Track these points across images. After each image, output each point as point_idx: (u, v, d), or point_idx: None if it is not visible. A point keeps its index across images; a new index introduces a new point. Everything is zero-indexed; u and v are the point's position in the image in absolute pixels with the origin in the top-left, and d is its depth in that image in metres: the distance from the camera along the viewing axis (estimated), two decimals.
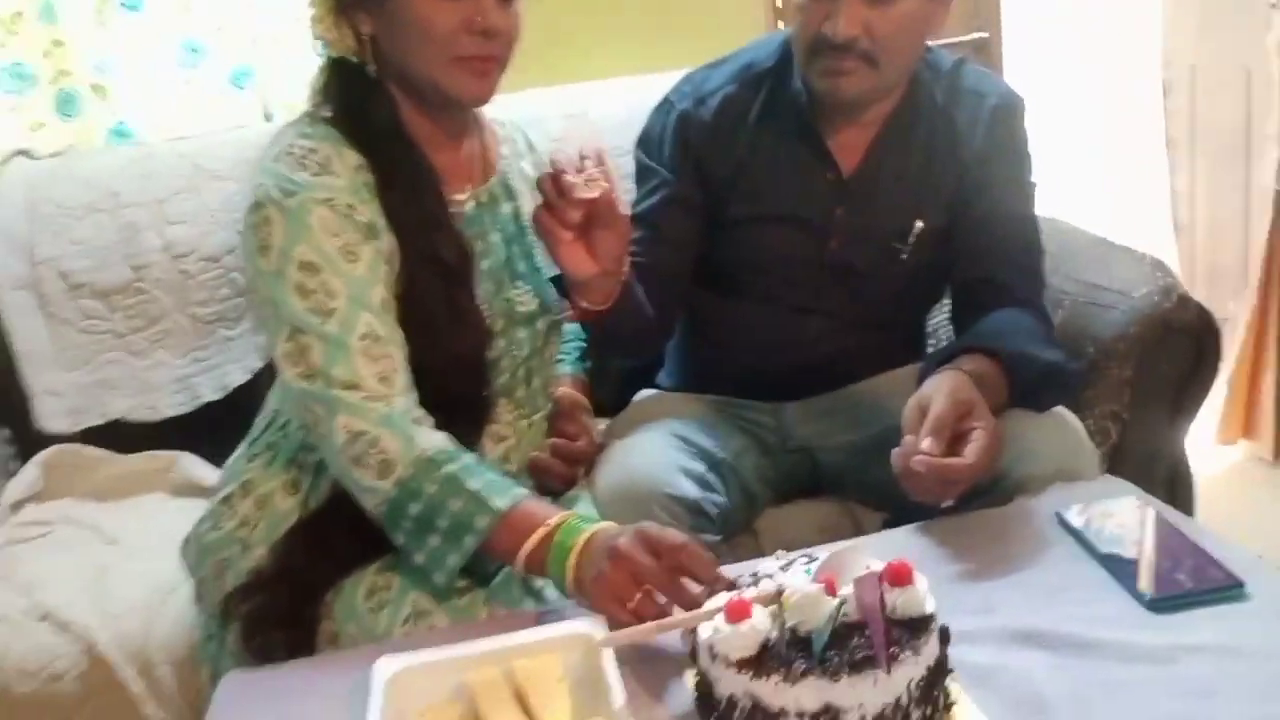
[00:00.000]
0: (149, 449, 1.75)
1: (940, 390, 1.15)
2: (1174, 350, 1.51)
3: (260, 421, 1.30)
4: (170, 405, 1.76)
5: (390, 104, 1.19)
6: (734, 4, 2.18)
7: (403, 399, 1.10)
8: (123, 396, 1.76)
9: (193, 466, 1.71)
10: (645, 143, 1.51)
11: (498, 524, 1.04)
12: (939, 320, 1.74)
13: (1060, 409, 1.32)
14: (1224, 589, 1.00)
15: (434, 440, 1.09)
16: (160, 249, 1.79)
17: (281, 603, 1.11)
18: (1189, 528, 1.10)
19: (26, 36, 1.93)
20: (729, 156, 1.44)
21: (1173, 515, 1.13)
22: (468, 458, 1.10)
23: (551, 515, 1.05)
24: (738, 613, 0.83)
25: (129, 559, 1.50)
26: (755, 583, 0.91)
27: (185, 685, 1.32)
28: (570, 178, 1.13)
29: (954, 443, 1.12)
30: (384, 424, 1.08)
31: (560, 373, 1.44)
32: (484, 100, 1.20)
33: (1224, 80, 2.45)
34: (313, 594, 1.11)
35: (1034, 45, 2.56)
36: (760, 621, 0.83)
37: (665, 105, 1.50)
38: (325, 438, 1.10)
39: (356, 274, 1.11)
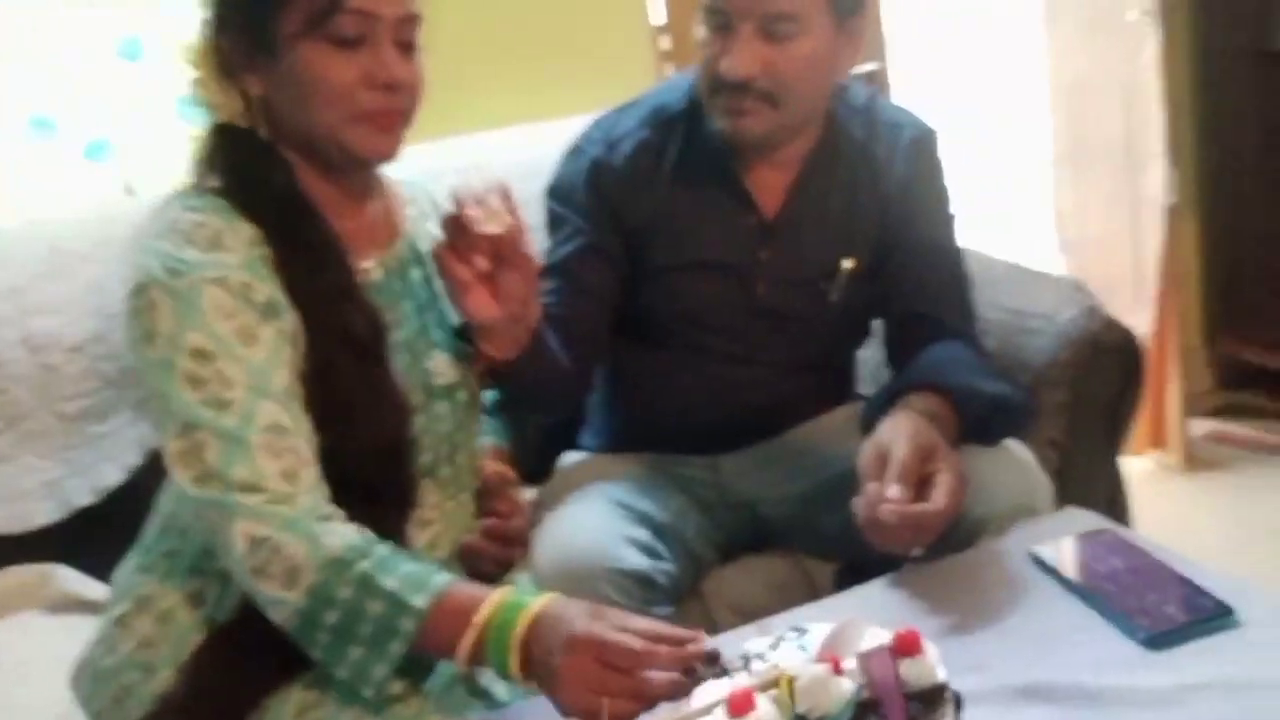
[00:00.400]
0: (19, 563, 1.56)
1: (900, 435, 1.11)
2: (1104, 371, 1.51)
3: (151, 528, 1.15)
4: (41, 513, 1.58)
5: (286, 169, 1.08)
6: (621, 48, 2.15)
7: (308, 496, 0.98)
8: None
9: (71, 580, 1.53)
10: (557, 191, 1.44)
11: (423, 624, 0.93)
12: (867, 356, 1.71)
13: (1010, 441, 1.29)
14: (1215, 617, 0.97)
15: (343, 536, 0.97)
16: (19, 342, 1.61)
17: None
18: (1167, 557, 1.06)
19: None
20: (646, 203, 1.38)
21: (1147, 544, 1.10)
22: (381, 550, 0.97)
23: (481, 601, 0.94)
24: (741, 705, 0.74)
25: (9, 689, 1.33)
26: (746, 666, 0.83)
27: None
28: (472, 212, 1.06)
29: (918, 488, 1.07)
30: (287, 528, 0.95)
31: (482, 446, 1.33)
32: (390, 158, 1.10)
33: (1104, 96, 2.51)
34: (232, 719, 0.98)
35: (921, 73, 2.60)
36: (766, 712, 0.75)
37: (576, 152, 1.44)
38: (225, 547, 0.97)
39: (255, 359, 0.99)
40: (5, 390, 1.60)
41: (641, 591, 1.21)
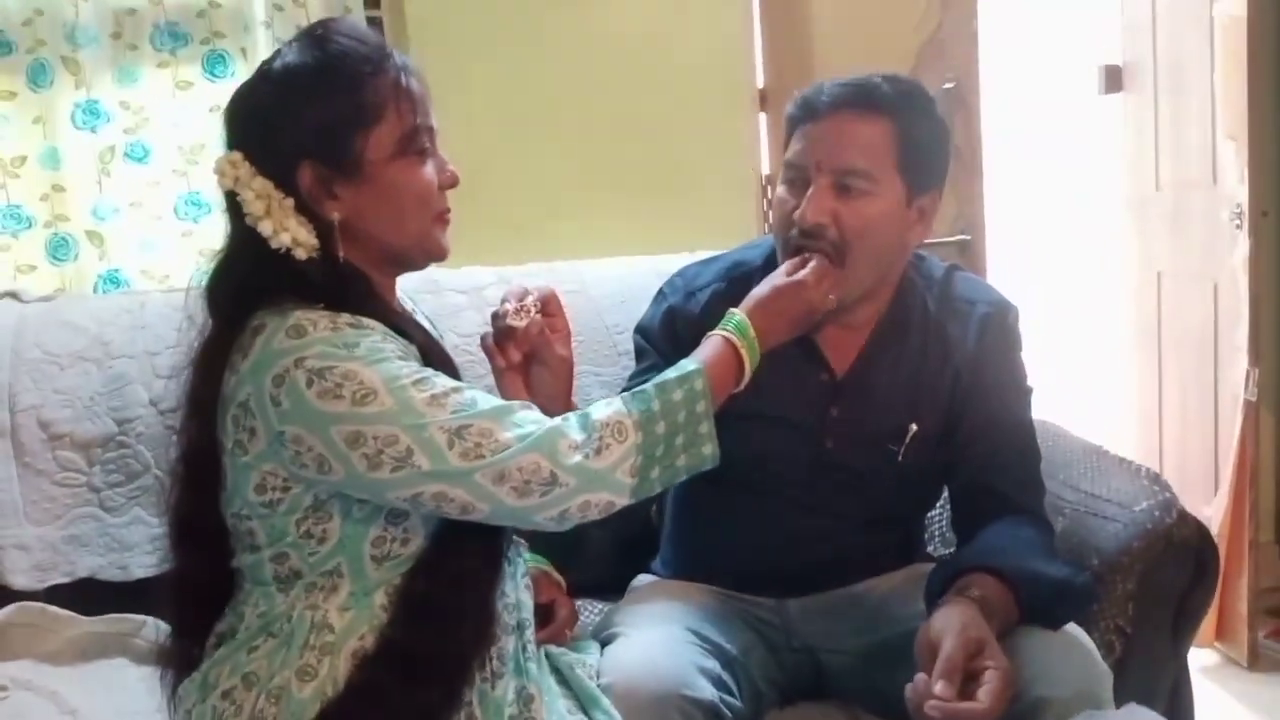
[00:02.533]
0: (116, 611, 1.65)
1: (950, 628, 1.16)
2: (1175, 564, 1.52)
3: (248, 618, 1.18)
4: (142, 566, 1.68)
5: (373, 289, 1.17)
6: (728, 201, 2.26)
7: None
8: (93, 554, 1.67)
9: (162, 633, 1.61)
10: (643, 329, 1.57)
11: (707, 376, 1.18)
12: (933, 515, 1.75)
13: (1072, 627, 1.32)
14: None
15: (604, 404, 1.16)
16: (147, 403, 1.73)
17: None
18: None
19: (26, 180, 1.93)
20: None
21: None
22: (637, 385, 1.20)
23: (716, 339, 1.25)
24: None
25: None
26: None
27: None
28: (507, 307, 1.27)
29: (967, 681, 1.12)
30: (583, 419, 1.12)
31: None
32: (449, 253, 1.23)
33: (1191, 288, 2.56)
34: None
35: (1016, 247, 2.68)
36: None
37: (659, 297, 1.57)
38: (555, 471, 1.08)
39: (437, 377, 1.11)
40: (129, 445, 1.72)
41: None
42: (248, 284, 1.13)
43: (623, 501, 1.12)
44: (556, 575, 1.42)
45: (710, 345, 1.24)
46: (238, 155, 1.12)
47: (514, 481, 1.07)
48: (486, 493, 1.08)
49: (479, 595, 1.16)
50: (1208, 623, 2.49)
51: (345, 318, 1.10)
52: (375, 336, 1.10)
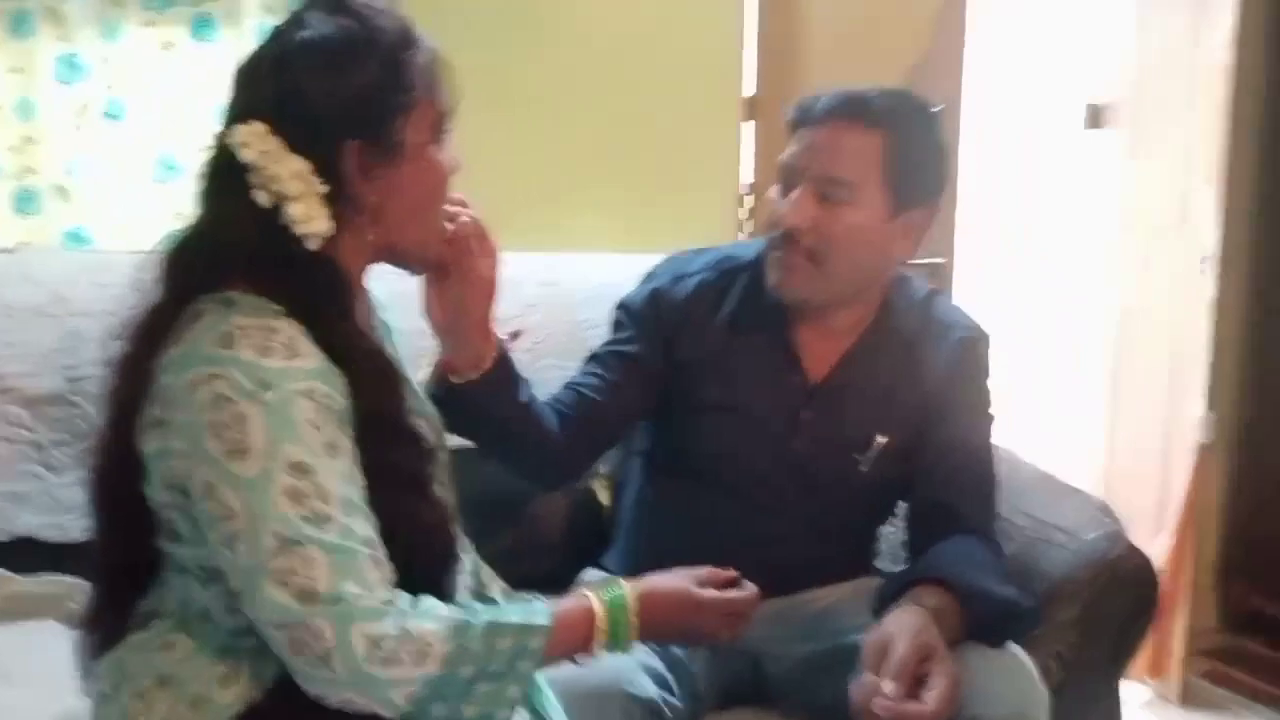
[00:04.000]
0: (51, 572, 1.63)
1: (903, 631, 1.18)
2: (1118, 595, 1.53)
3: (168, 603, 1.11)
4: (81, 528, 1.63)
5: (344, 282, 1.08)
6: (708, 206, 2.27)
7: (402, 593, 1.01)
8: (32, 513, 1.65)
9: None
10: (625, 305, 1.56)
11: (549, 640, 1.05)
12: (886, 531, 1.76)
13: (1013, 648, 1.33)
14: None
15: (448, 607, 1.04)
16: (100, 362, 1.69)
17: None
18: None
19: None
20: (698, 341, 1.49)
21: None
22: (479, 606, 1.10)
23: (587, 604, 1.10)
24: None
25: (15, 692, 1.39)
26: None
27: None
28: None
29: (914, 685, 1.14)
30: (404, 618, 0.98)
31: None
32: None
33: (1154, 328, 2.60)
34: None
35: (986, 273, 2.70)
36: None
37: (648, 278, 1.58)
38: (333, 650, 0.95)
39: (343, 469, 0.99)
40: (77, 405, 1.70)
41: None
42: (214, 262, 1.04)
43: (389, 716, 1.00)
44: None
45: (575, 607, 1.10)
46: (261, 127, 1.02)
47: (294, 635, 0.96)
48: (269, 616, 0.97)
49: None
50: (1141, 658, 2.52)
51: (282, 335, 0.99)
52: (297, 383, 0.98)
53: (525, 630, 1.03)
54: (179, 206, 1.96)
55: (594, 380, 1.47)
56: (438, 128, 1.11)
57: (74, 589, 1.61)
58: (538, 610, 1.06)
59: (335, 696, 0.98)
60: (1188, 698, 2.54)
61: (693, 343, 1.48)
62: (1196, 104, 2.43)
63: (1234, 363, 2.56)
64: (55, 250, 1.91)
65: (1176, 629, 2.52)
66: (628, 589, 1.12)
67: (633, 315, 1.53)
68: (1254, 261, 2.54)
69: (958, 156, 2.35)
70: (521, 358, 1.86)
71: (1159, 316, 2.58)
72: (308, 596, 0.95)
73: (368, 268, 1.14)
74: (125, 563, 1.13)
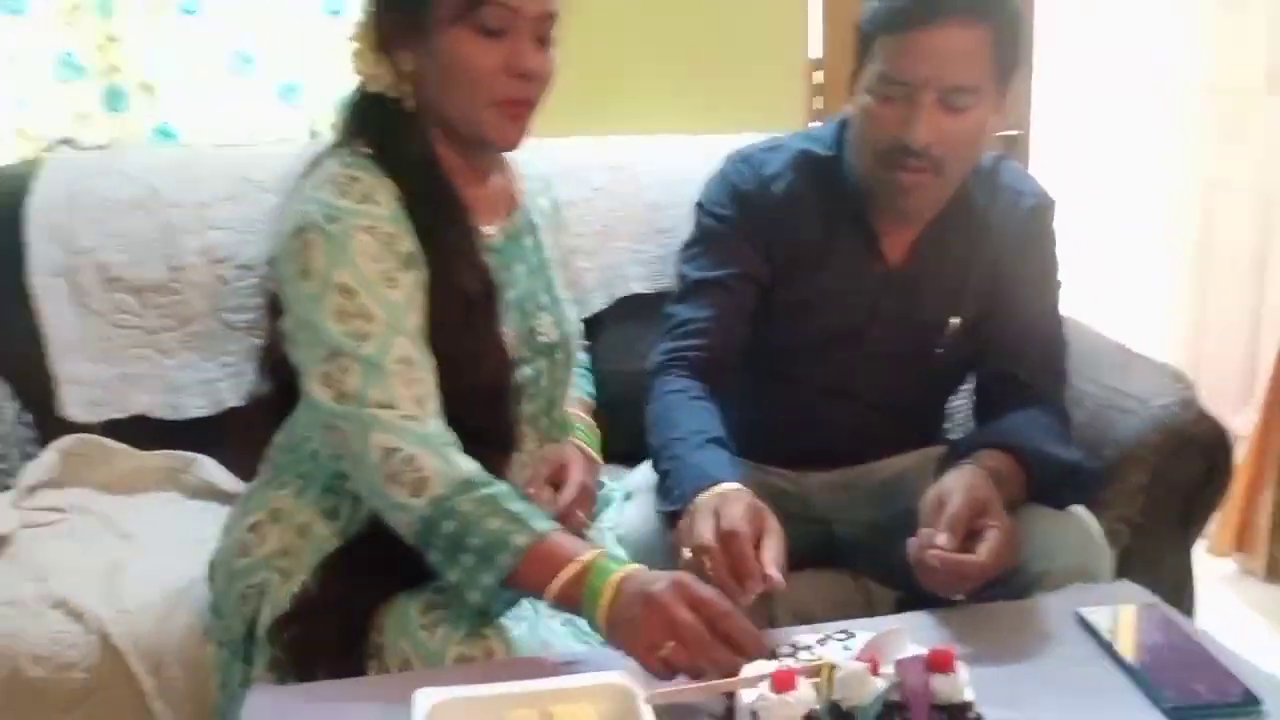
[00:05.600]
0: (168, 448, 1.74)
1: (959, 486, 1.19)
2: (1188, 461, 1.54)
3: (280, 448, 1.30)
4: (194, 407, 1.77)
5: (425, 139, 1.21)
6: (775, 77, 2.23)
7: (435, 421, 1.12)
8: (147, 393, 1.76)
9: (211, 470, 1.71)
10: (713, 213, 1.49)
11: (534, 546, 1.05)
12: (957, 404, 1.78)
13: (1078, 508, 1.36)
14: (1242, 705, 1.02)
15: (471, 465, 1.11)
16: (198, 251, 1.80)
17: (329, 630, 1.11)
18: (1209, 642, 1.13)
19: (82, 29, 1.96)
20: (791, 243, 1.46)
21: (1190, 627, 1.16)
22: (505, 485, 1.12)
23: (584, 551, 1.06)
24: (784, 683, 0.85)
25: (142, 556, 1.50)
26: (794, 654, 0.93)
27: (195, 689, 1.31)
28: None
29: (969, 539, 1.16)
30: (421, 443, 1.09)
31: (571, 397, 1.46)
32: (516, 145, 1.23)
33: (1242, 200, 2.52)
34: (360, 620, 1.11)
35: (1063, 144, 2.63)
36: (805, 693, 0.85)
37: (729, 185, 1.49)
38: (358, 456, 1.10)
39: (394, 300, 1.13)
40: (180, 293, 1.79)
41: None
42: (347, 116, 1.23)
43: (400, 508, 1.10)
44: (588, 450, 1.42)
45: (569, 546, 1.07)
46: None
47: (332, 436, 1.13)
48: (319, 417, 1.14)
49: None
50: (1228, 532, 2.52)
51: (363, 184, 1.15)
52: (360, 220, 1.13)
53: (518, 522, 1.06)
54: (256, 99, 2.02)
55: (719, 318, 1.44)
56: (465, 10, 1.14)
57: (190, 462, 1.74)
58: (541, 516, 1.09)
59: (374, 504, 1.12)
60: (1273, 573, 2.52)
61: (787, 246, 1.46)
62: None
63: None
64: (147, 146, 1.98)
65: (1264, 503, 2.49)
66: (630, 567, 1.04)
67: (728, 226, 1.47)
68: None
69: (1032, 25, 2.29)
70: (591, 240, 1.92)
71: (1246, 185, 2.49)
72: (342, 398, 1.10)
73: (459, 146, 1.23)
74: (273, 391, 1.30)
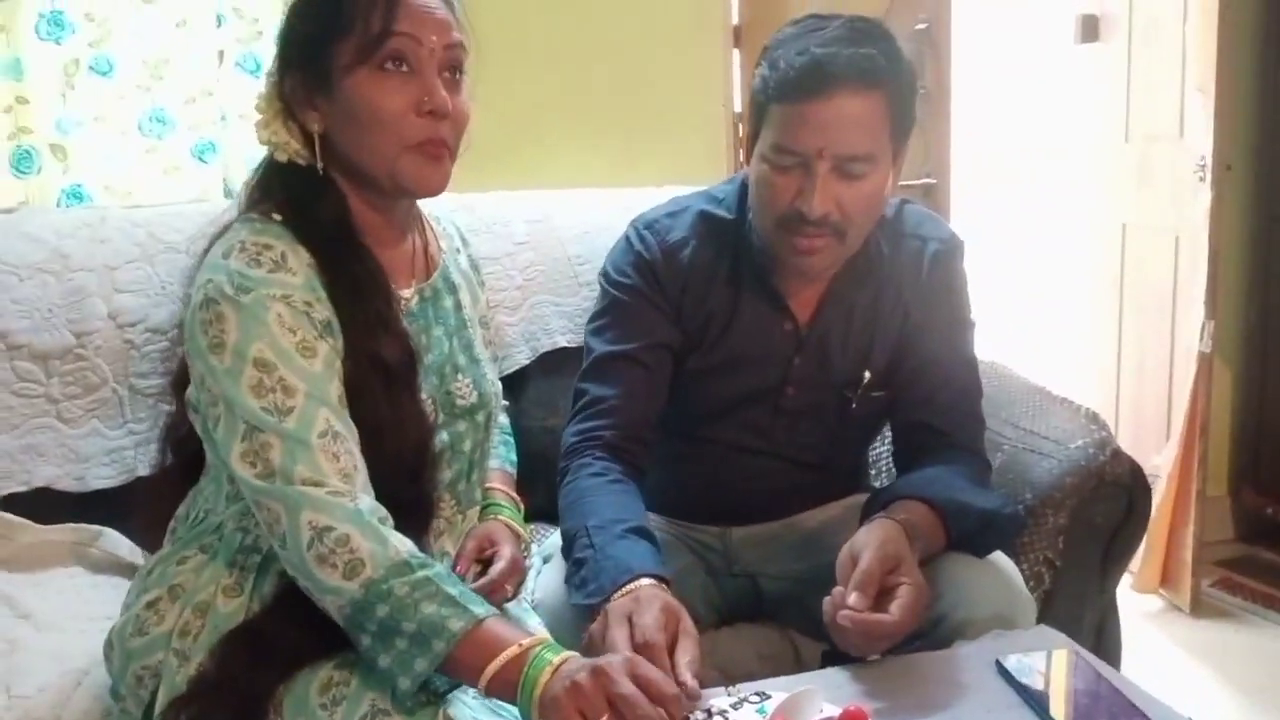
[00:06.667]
0: (73, 520, 1.67)
1: (870, 542, 1.18)
2: (1107, 502, 1.56)
3: (183, 521, 1.26)
4: (100, 478, 1.70)
5: (339, 203, 1.19)
6: (699, 137, 2.26)
7: (366, 497, 1.08)
8: (50, 464, 1.69)
9: (118, 543, 1.64)
10: (619, 284, 1.47)
11: (471, 631, 1.01)
12: (881, 450, 1.79)
13: (998, 555, 1.36)
14: None
15: (406, 543, 1.07)
16: (106, 316, 1.74)
17: (226, 713, 1.06)
18: (1127, 687, 1.13)
19: None
20: (701, 308, 1.46)
21: (1108, 671, 1.16)
22: (441, 567, 1.08)
23: (522, 637, 1.02)
24: None
25: (41, 635, 1.42)
26: (709, 718, 0.91)
27: None
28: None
29: (882, 596, 1.15)
30: (353, 521, 1.05)
31: (490, 467, 1.43)
32: (438, 189, 1.19)
33: (1154, 240, 2.59)
34: (259, 700, 1.07)
35: (981, 190, 2.69)
36: None
37: (634, 253, 1.48)
38: (288, 535, 1.06)
39: (314, 370, 1.09)
40: (86, 359, 1.72)
41: None
42: (256, 183, 1.21)
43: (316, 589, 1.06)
44: (516, 527, 1.39)
45: (508, 633, 1.03)
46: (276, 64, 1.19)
47: (262, 513, 1.08)
48: (246, 493, 1.09)
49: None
50: (1152, 569, 2.56)
51: (275, 251, 1.11)
52: (274, 289, 1.09)
53: (455, 606, 1.02)
54: (170, 159, 1.99)
55: (637, 387, 1.42)
56: (365, 52, 1.13)
57: (95, 536, 1.66)
58: (478, 601, 1.05)
59: (302, 584, 1.07)
60: (1199, 607, 2.57)
61: (696, 312, 1.45)
62: (1188, 11, 2.39)
63: (1235, 271, 2.55)
64: (54, 209, 1.93)
65: (1187, 539, 2.54)
66: (562, 655, 1.01)
67: (635, 295, 1.45)
68: (1252, 169, 2.52)
69: (949, 75, 2.34)
70: (513, 295, 1.91)
71: (1159, 228, 2.56)
72: (266, 475, 1.06)
73: (375, 201, 1.21)
74: (178, 463, 1.27)
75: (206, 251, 1.17)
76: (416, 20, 1.13)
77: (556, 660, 0.99)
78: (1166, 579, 2.58)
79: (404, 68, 1.13)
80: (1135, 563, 2.53)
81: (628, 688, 0.93)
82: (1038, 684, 1.12)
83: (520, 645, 1.00)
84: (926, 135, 2.32)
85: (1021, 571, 1.42)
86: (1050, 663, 1.16)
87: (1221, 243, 2.43)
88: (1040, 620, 1.36)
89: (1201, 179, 2.39)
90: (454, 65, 1.17)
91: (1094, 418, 1.64)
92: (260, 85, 1.86)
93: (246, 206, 1.20)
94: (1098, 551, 1.59)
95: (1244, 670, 2.35)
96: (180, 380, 1.20)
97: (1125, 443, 1.70)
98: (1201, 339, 2.39)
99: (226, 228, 1.18)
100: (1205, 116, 2.38)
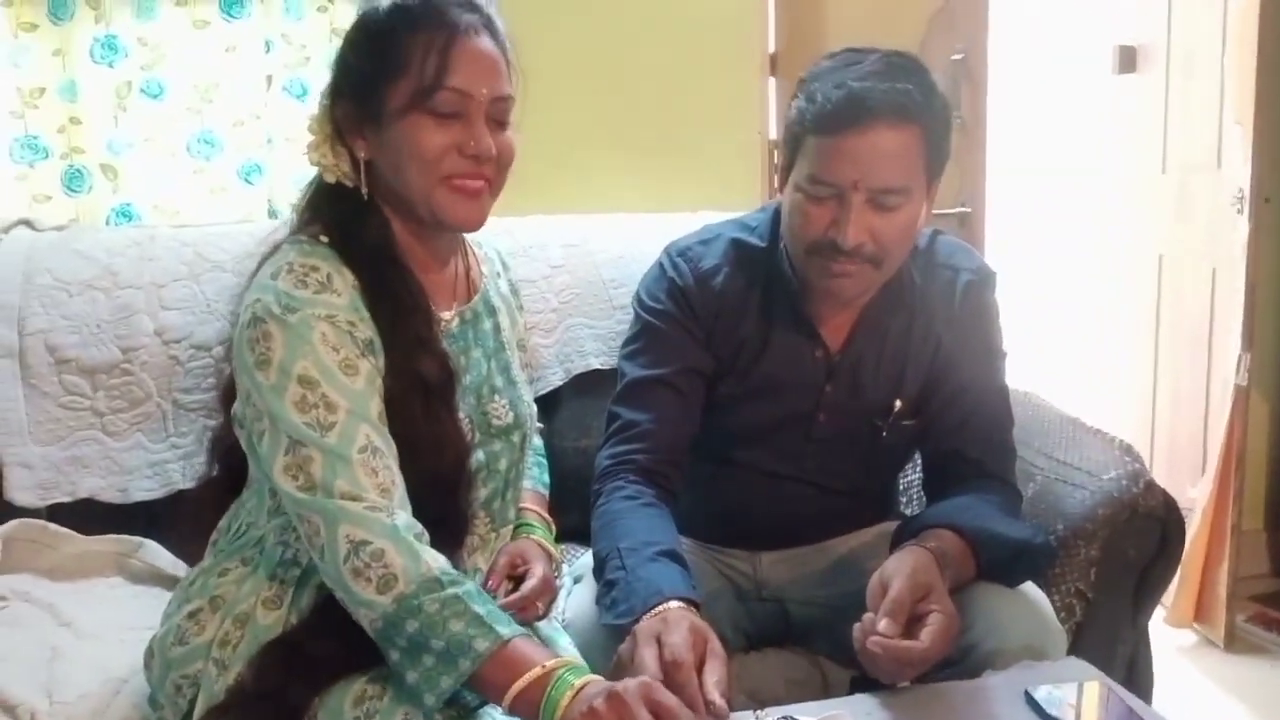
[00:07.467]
0: (115, 531, 1.71)
1: (901, 570, 1.19)
2: (1140, 534, 1.55)
3: (225, 533, 1.29)
4: (142, 490, 1.74)
5: (383, 227, 1.22)
6: (733, 164, 2.27)
7: (403, 513, 1.11)
8: (94, 476, 1.73)
9: (158, 554, 1.68)
10: (653, 310, 1.49)
11: (496, 651, 1.03)
12: (912, 478, 1.79)
13: (1029, 585, 1.36)
14: None
15: (439, 560, 1.09)
16: (152, 332, 1.79)
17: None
18: (1155, 719, 1.12)
19: (45, 111, 1.97)
20: (734, 335, 1.47)
21: (1139, 705, 1.16)
22: (471, 584, 1.10)
23: (547, 658, 1.04)
24: None
25: (82, 643, 1.46)
26: None
27: None
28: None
29: (912, 623, 1.15)
30: (389, 536, 1.08)
31: (524, 488, 1.46)
32: (474, 226, 1.24)
33: (1190, 272, 2.57)
34: (295, 711, 1.09)
35: (1017, 221, 2.69)
36: None
37: (667, 280, 1.49)
38: (326, 548, 1.08)
39: (356, 388, 1.13)
40: (132, 373, 1.77)
41: None
42: (306, 204, 1.26)
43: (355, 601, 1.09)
44: (548, 546, 1.41)
45: (533, 654, 1.05)
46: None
47: (303, 526, 1.11)
48: (288, 506, 1.12)
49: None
50: (1186, 603, 2.53)
51: (321, 273, 1.15)
52: (319, 309, 1.13)
53: (482, 626, 1.04)
54: (218, 180, 2.04)
55: (672, 411, 1.44)
56: (419, 99, 1.17)
57: (136, 547, 1.70)
58: (505, 620, 1.07)
59: (339, 595, 1.10)
60: (1233, 642, 2.54)
61: (729, 339, 1.47)
62: (1226, 43, 2.39)
63: (1272, 304, 2.53)
64: (103, 227, 1.98)
65: (1222, 574, 2.51)
66: (585, 679, 1.02)
67: (668, 320, 1.47)
68: None
69: (985, 105, 2.35)
70: (549, 317, 1.93)
71: (1196, 260, 2.55)
72: (307, 489, 1.09)
73: (418, 230, 1.25)
74: (221, 476, 1.32)
75: (256, 271, 1.20)
76: (468, 74, 1.18)
77: (578, 683, 1.00)
78: (1200, 613, 2.55)
79: (450, 114, 1.18)
80: (1169, 596, 2.50)
81: (643, 716, 0.95)
82: (1067, 716, 1.12)
83: (544, 666, 1.02)
84: (962, 164, 2.33)
85: (1052, 603, 1.41)
86: (1081, 695, 1.16)
87: (1259, 275, 2.42)
88: (1071, 653, 1.35)
89: (1239, 211, 2.38)
90: (499, 118, 1.21)
91: (1128, 449, 1.63)
92: (306, 110, 1.93)
93: (296, 228, 1.23)
94: (1130, 584, 1.58)
95: (1278, 706, 2.32)
96: (228, 393, 1.24)
97: (1160, 475, 1.69)
98: (1238, 372, 2.38)
99: (276, 248, 1.21)
100: (1243, 148, 2.37)
